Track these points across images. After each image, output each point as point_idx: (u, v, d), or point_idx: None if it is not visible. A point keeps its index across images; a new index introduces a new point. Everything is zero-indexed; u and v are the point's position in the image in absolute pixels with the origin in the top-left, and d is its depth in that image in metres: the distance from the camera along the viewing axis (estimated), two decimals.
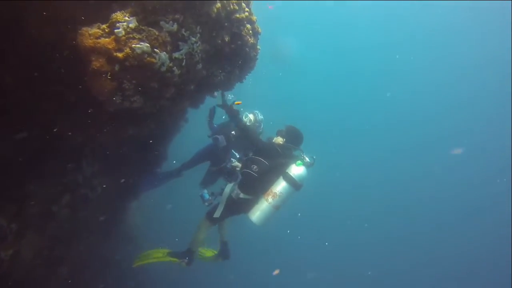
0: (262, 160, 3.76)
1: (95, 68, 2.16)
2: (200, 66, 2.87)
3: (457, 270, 18.56)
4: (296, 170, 3.63)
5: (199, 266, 4.79)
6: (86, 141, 3.18)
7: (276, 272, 11.91)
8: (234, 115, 3.95)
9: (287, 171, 3.65)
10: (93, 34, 2.17)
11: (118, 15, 2.22)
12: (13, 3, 2.18)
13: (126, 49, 2.17)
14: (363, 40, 22.93)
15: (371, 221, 18.72)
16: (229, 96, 4.53)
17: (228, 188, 3.97)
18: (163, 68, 2.37)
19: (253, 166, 3.77)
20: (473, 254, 18.97)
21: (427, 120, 23.04)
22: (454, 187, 20.80)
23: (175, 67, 2.48)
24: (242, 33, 3.29)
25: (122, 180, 4.17)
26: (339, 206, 19.19)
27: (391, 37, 22.21)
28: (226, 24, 3.01)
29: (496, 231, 19.13)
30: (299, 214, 11.37)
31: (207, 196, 4.11)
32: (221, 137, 4.77)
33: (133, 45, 2.19)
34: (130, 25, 2.22)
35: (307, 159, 3.78)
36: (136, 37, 2.21)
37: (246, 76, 4.18)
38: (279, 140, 3.99)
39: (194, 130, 7.15)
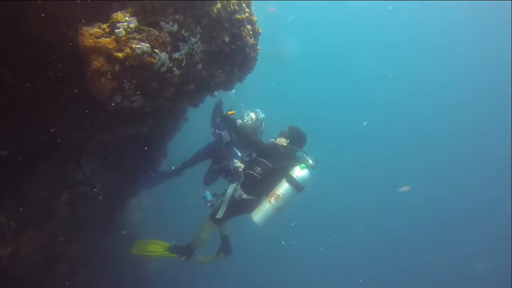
0: (266, 162, 3.78)
1: (96, 67, 2.17)
2: (200, 66, 2.88)
3: (457, 271, 18.57)
4: (300, 172, 3.64)
5: (199, 266, 4.79)
6: (86, 140, 3.20)
7: None
8: (230, 124, 3.98)
9: (290, 173, 3.67)
10: (93, 34, 2.18)
11: (118, 15, 2.23)
12: (13, 3, 2.19)
13: (126, 49, 2.18)
14: (363, 40, 22.93)
15: (371, 222, 18.73)
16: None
17: (231, 188, 3.98)
18: (163, 69, 2.38)
19: (257, 168, 3.79)
20: (473, 256, 18.97)
21: (427, 120, 23.05)
22: (454, 187, 20.80)
23: (175, 68, 2.49)
24: (242, 33, 3.29)
25: (121, 178, 4.19)
26: (339, 207, 19.20)
27: (391, 37, 22.21)
28: (226, 24, 3.01)
29: (496, 232, 19.13)
30: (293, 224, 11.49)
31: (209, 197, 4.11)
32: (224, 133, 4.80)
33: (133, 45, 2.19)
34: (131, 25, 2.23)
35: (310, 161, 3.79)
36: (137, 37, 2.22)
37: (246, 76, 4.19)
38: (282, 141, 4.00)
39: (194, 129, 7.17)
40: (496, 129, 20.80)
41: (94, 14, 2.28)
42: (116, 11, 2.25)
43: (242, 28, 3.27)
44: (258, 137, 4.64)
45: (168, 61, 2.41)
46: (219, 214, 3.92)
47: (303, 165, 3.67)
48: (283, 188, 3.64)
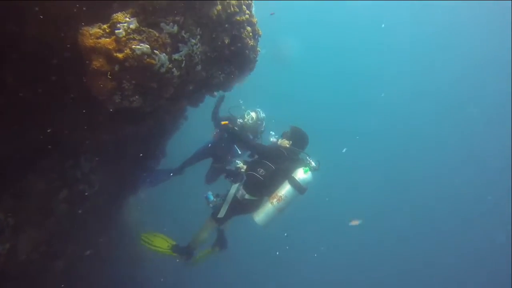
0: (269, 164, 3.81)
1: (95, 67, 2.18)
2: (199, 67, 2.89)
3: (457, 271, 18.58)
4: (302, 174, 3.67)
5: (199, 267, 4.79)
6: (85, 138, 3.20)
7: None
8: (231, 133, 4.00)
9: (292, 175, 3.69)
10: (93, 34, 2.19)
11: (119, 16, 2.23)
12: (13, 3, 2.19)
13: (126, 50, 2.19)
14: (363, 40, 22.92)
15: (371, 222, 18.72)
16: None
17: (234, 188, 4.00)
18: (163, 69, 2.39)
19: (260, 170, 3.81)
20: (473, 257, 18.99)
21: (427, 120, 23.03)
22: (454, 188, 20.79)
23: (174, 69, 2.50)
24: (242, 35, 3.30)
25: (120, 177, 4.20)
26: (339, 207, 19.21)
27: (391, 37, 22.21)
28: (226, 26, 3.02)
29: (496, 232, 19.14)
30: (286, 234, 11.50)
31: (211, 198, 4.12)
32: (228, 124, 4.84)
33: (133, 46, 2.20)
34: (131, 26, 2.23)
35: (313, 163, 3.82)
36: (136, 38, 2.23)
37: (246, 77, 4.20)
38: (285, 143, 4.01)
39: (193, 128, 7.18)
40: (496, 129, 20.80)
41: (94, 14, 2.29)
42: (117, 12, 2.26)
43: (242, 29, 3.28)
44: (258, 142, 4.66)
45: (168, 62, 2.42)
46: (221, 213, 3.94)
47: (306, 168, 3.69)
48: (285, 190, 3.67)
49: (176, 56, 2.52)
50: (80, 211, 3.61)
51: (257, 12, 3.62)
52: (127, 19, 2.23)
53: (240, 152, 4.93)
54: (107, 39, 2.19)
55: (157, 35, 2.33)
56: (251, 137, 5.00)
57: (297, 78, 23.60)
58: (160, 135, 4.95)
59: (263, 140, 4.88)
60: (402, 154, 22.71)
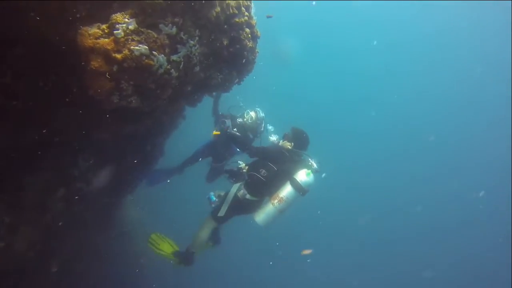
0: (271, 165, 3.82)
1: (94, 68, 2.19)
2: (197, 68, 2.89)
3: (457, 272, 18.57)
4: (304, 176, 3.67)
5: (199, 266, 4.80)
6: (83, 137, 3.20)
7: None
8: (232, 140, 4.03)
9: (294, 176, 3.70)
10: (92, 34, 2.19)
11: (118, 16, 2.24)
12: (13, 3, 2.20)
13: (124, 51, 2.20)
14: (363, 40, 22.91)
15: (371, 222, 18.73)
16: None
17: (235, 188, 4.00)
18: (161, 70, 2.40)
19: (262, 171, 3.82)
20: (473, 257, 18.97)
21: (427, 121, 23.02)
22: (454, 188, 20.79)
23: (172, 70, 2.51)
24: (241, 37, 3.30)
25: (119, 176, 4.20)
26: (339, 207, 19.21)
27: (391, 37, 22.20)
28: (225, 27, 3.02)
29: (496, 233, 19.13)
30: (277, 243, 11.48)
31: (213, 198, 4.12)
32: (228, 121, 4.89)
33: (132, 47, 2.21)
34: (130, 27, 2.24)
35: (314, 165, 3.83)
36: (135, 39, 2.23)
37: (244, 79, 4.21)
38: (287, 144, 4.01)
39: (193, 127, 7.18)
40: (496, 129, 20.78)
41: (94, 14, 2.29)
42: (116, 12, 2.26)
43: (241, 31, 3.28)
44: (258, 146, 4.67)
45: (166, 63, 2.42)
46: (221, 212, 3.93)
47: (308, 171, 3.70)
48: (286, 191, 3.68)
49: (174, 57, 2.53)
50: (77, 210, 3.61)
51: (257, 12, 3.63)
52: (126, 19, 2.24)
53: (238, 150, 4.95)
54: (106, 40, 2.19)
55: (155, 36, 2.33)
56: (251, 136, 5.02)
57: (297, 78, 23.60)
58: (158, 135, 4.96)
59: (263, 140, 4.90)
60: (402, 154, 22.70)
